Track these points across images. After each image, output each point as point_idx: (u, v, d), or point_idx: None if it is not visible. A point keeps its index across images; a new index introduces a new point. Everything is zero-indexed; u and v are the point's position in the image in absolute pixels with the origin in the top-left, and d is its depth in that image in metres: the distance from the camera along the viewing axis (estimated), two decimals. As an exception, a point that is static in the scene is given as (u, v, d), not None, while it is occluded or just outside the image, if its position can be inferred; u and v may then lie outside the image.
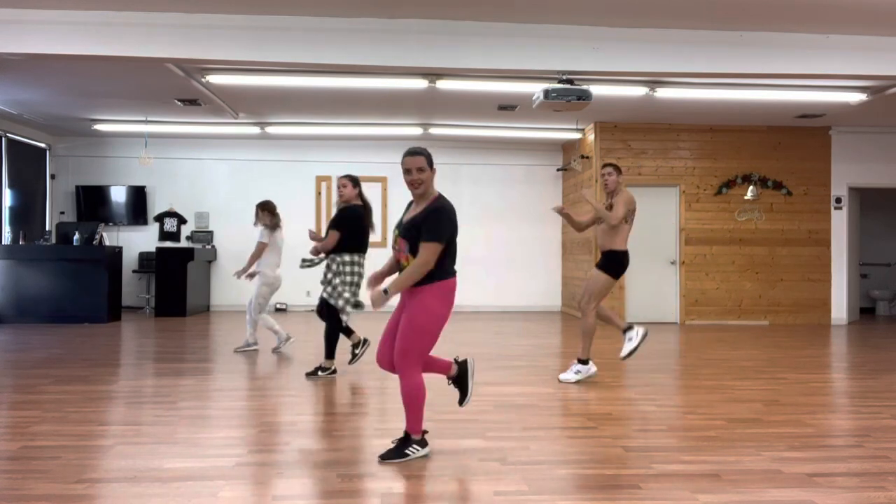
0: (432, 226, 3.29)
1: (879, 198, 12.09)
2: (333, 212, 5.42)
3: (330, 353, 5.66)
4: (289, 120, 10.18)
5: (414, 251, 3.32)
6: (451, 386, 3.72)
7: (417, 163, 3.33)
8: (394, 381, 5.21)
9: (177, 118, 9.96)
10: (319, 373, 5.64)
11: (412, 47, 5.85)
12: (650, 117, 9.71)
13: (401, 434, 3.53)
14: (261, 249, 6.75)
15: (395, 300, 3.41)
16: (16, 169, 10.43)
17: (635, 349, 5.49)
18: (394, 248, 3.47)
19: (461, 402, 3.73)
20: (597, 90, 7.21)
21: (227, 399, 4.79)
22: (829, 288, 10.33)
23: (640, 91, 7.91)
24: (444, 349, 6.83)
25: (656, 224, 9.97)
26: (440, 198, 3.41)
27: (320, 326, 5.73)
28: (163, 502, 2.83)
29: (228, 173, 11.67)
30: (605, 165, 5.67)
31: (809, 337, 8.60)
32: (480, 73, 6.77)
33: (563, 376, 5.48)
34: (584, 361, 5.49)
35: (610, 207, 5.47)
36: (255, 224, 6.86)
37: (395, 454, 3.41)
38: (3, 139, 10.10)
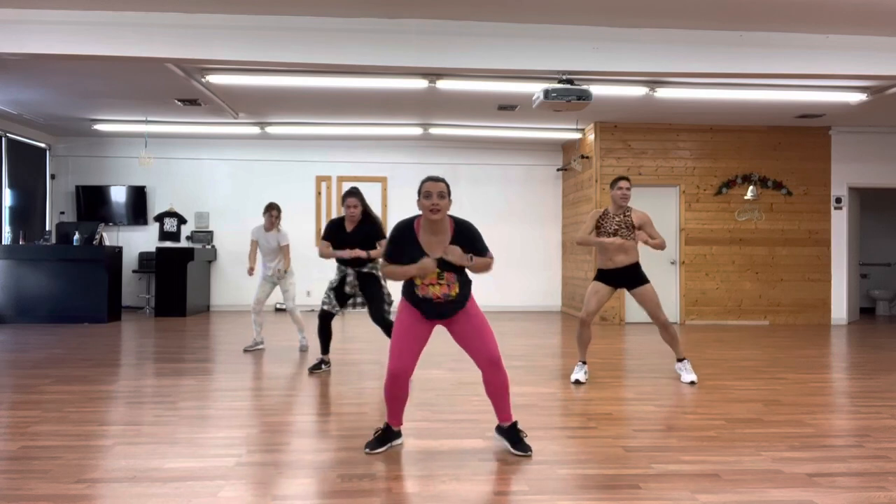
0: (480, 237, 3.46)
1: (879, 198, 12.11)
2: (333, 212, 5.47)
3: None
4: (289, 120, 10.18)
5: (463, 278, 3.47)
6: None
7: (439, 188, 3.35)
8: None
9: (177, 118, 9.96)
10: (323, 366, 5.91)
11: (412, 47, 5.85)
12: (650, 117, 9.72)
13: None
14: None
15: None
16: (16, 169, 10.43)
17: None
18: (434, 284, 3.41)
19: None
20: (597, 90, 7.23)
21: (227, 399, 4.79)
22: (829, 288, 10.33)
23: (640, 91, 7.91)
24: (446, 349, 6.83)
25: (656, 224, 9.86)
26: (456, 218, 3.49)
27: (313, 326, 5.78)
28: (163, 502, 2.83)
29: (228, 173, 11.67)
30: (623, 179, 5.49)
31: (809, 337, 8.60)
32: (480, 73, 6.77)
33: (686, 378, 5.49)
34: (682, 360, 5.58)
35: (627, 227, 5.39)
36: (276, 227, 6.83)
37: (522, 446, 3.51)
38: (3, 139, 10.11)
